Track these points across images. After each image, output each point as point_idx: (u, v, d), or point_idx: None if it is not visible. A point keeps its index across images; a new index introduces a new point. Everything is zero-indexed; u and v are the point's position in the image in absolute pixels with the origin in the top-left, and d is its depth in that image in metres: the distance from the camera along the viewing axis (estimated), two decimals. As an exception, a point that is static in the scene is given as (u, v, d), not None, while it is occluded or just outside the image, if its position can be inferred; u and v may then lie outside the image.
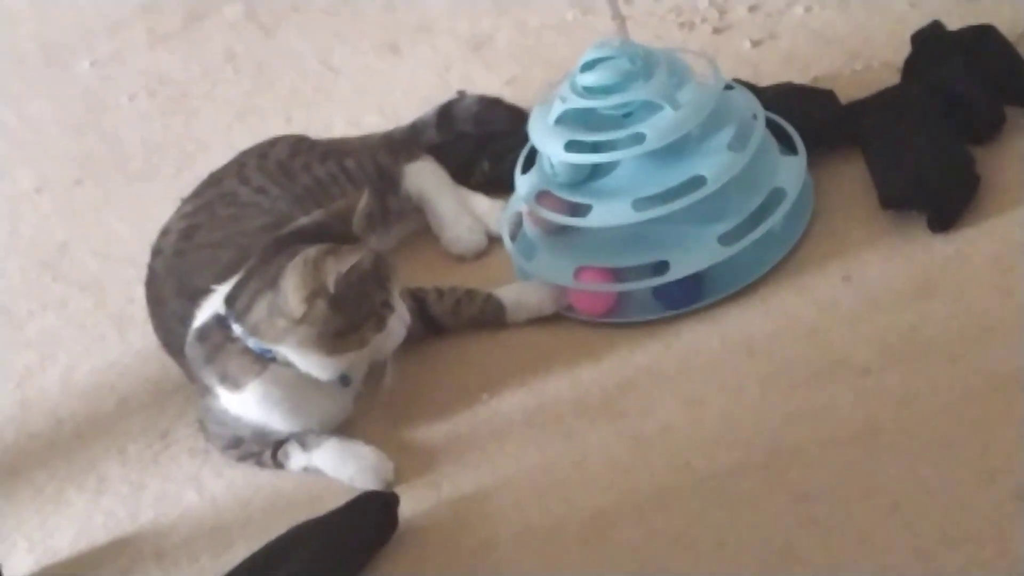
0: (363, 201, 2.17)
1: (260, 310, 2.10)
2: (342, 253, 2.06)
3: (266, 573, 1.98)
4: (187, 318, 2.22)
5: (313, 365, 2.11)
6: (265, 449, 2.20)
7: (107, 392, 2.48)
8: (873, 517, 1.83)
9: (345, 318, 2.08)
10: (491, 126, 2.61)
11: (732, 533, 1.89)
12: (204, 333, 2.18)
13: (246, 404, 2.16)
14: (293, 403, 2.16)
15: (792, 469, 1.93)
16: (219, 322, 2.15)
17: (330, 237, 2.11)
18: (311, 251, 2.07)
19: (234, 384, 2.15)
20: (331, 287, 2.05)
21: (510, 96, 2.70)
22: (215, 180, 2.50)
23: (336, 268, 2.04)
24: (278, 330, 2.08)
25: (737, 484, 1.94)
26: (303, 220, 2.19)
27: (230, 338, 2.13)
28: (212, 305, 2.18)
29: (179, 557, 2.14)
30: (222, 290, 2.17)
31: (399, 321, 2.13)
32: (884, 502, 1.84)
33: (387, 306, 2.12)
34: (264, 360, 2.12)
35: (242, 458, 2.22)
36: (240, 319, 2.11)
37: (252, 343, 2.11)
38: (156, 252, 2.40)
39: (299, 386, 2.14)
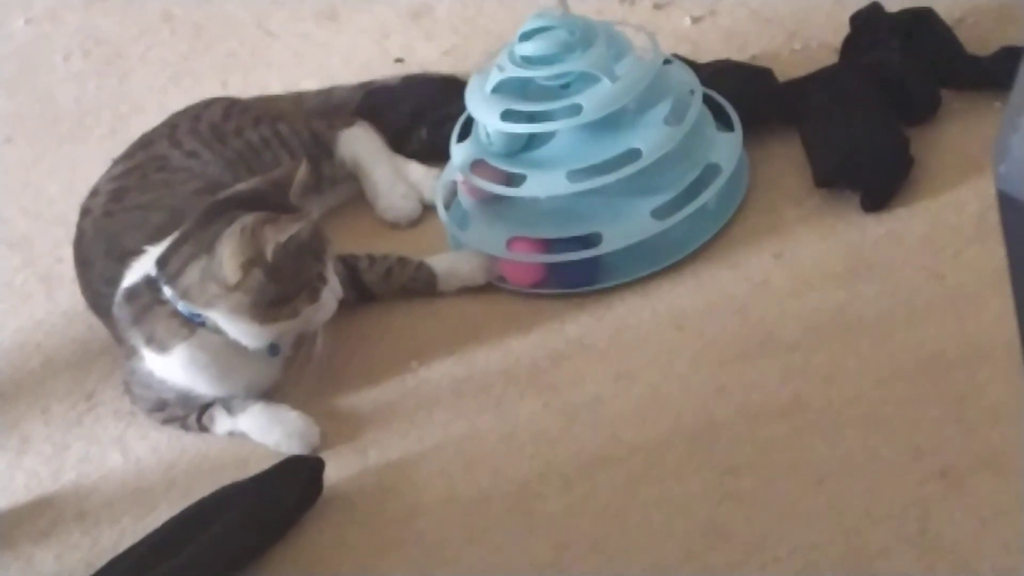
0: (301, 171, 2.16)
1: (193, 274, 2.08)
2: (282, 223, 2.04)
3: (189, 535, 1.97)
4: (115, 279, 2.20)
5: (243, 333, 2.10)
6: (190, 413, 2.18)
7: (32, 351, 2.45)
8: (798, 493, 1.84)
9: (280, 288, 2.07)
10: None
11: (658, 506, 1.89)
12: (133, 294, 2.16)
13: (172, 367, 2.14)
14: (220, 368, 2.14)
15: (719, 444, 1.94)
16: (149, 284, 2.13)
17: (267, 205, 2.10)
18: (250, 218, 2.05)
19: (161, 347, 2.13)
20: (269, 256, 2.03)
21: (449, 66, 2.69)
22: (146, 142, 2.47)
23: (275, 237, 2.03)
24: (210, 296, 2.07)
25: (664, 457, 1.94)
26: (241, 186, 2.17)
27: (159, 300, 2.11)
28: (142, 266, 2.16)
29: (101, 518, 2.12)
30: (153, 252, 2.15)
31: (332, 294, 2.12)
32: (809, 478, 1.85)
33: (321, 278, 2.11)
34: (192, 324, 2.10)
35: (167, 421, 2.20)
36: (171, 282, 2.10)
37: (182, 306, 2.09)
38: (85, 212, 2.37)
39: (226, 352, 2.12)
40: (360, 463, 2.07)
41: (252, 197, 2.13)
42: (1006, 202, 1.01)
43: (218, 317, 2.08)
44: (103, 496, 2.16)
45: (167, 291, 2.10)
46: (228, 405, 2.17)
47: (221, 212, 2.10)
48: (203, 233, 2.09)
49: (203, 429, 2.19)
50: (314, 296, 2.10)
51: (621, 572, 1.83)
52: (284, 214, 2.07)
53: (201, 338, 2.11)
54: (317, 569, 1.95)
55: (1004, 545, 1.70)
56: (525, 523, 1.93)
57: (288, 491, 2.02)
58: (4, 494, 2.21)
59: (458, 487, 2.00)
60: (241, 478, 2.04)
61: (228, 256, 2.04)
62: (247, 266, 2.04)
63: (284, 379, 2.21)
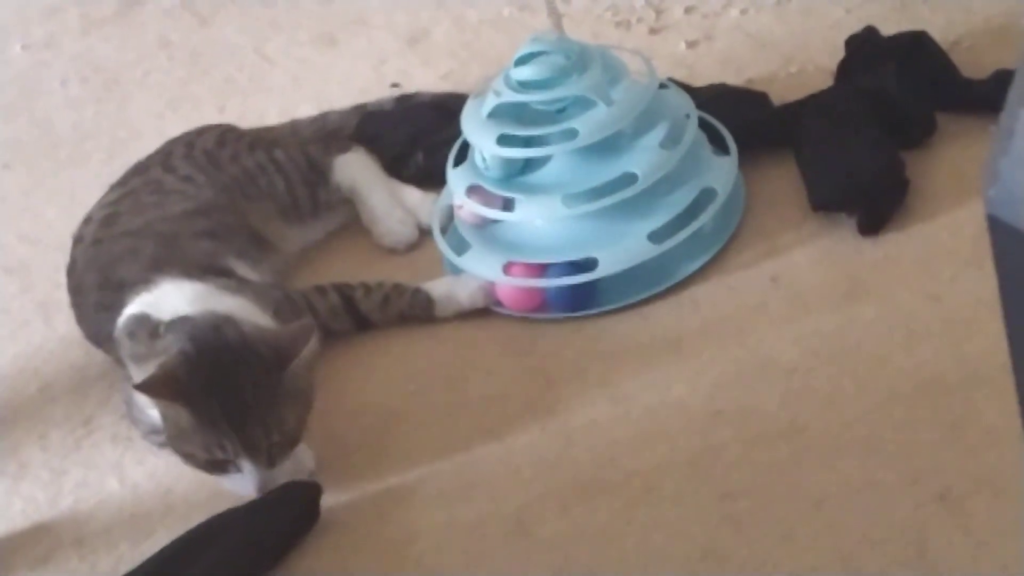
0: (311, 344, 2.04)
1: None
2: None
3: (186, 561, 1.96)
4: (112, 306, 2.20)
5: None
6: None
7: (30, 377, 2.45)
8: (796, 516, 1.84)
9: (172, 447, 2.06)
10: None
11: (656, 530, 1.88)
12: (133, 333, 2.14)
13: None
14: None
15: (716, 467, 1.93)
16: (151, 335, 2.10)
17: (232, 364, 2.00)
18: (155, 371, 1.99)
19: None
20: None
21: (446, 90, 2.70)
22: (141, 168, 2.48)
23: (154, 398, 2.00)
24: None
25: (661, 481, 1.94)
26: (232, 337, 2.03)
27: (156, 353, 2.07)
28: (151, 301, 2.15)
29: (98, 545, 2.12)
30: (162, 288, 2.15)
31: (245, 483, 2.02)
32: (807, 501, 1.85)
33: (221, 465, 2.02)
34: None
35: (163, 445, 2.20)
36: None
37: None
38: (77, 240, 2.38)
39: None
40: (358, 488, 2.07)
41: (232, 368, 2.01)
42: (996, 226, 1.01)
43: None
44: (101, 522, 2.16)
45: None
46: None
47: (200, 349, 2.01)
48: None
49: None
50: (209, 469, 2.04)
51: (619, 596, 1.83)
52: (223, 388, 1.98)
53: None
54: (315, 595, 1.95)
55: (1003, 568, 1.70)
56: (523, 547, 1.92)
57: (285, 517, 2.01)
58: (2, 520, 2.20)
59: (456, 511, 2.00)
60: (238, 504, 2.04)
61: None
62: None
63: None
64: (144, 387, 1.97)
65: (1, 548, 2.16)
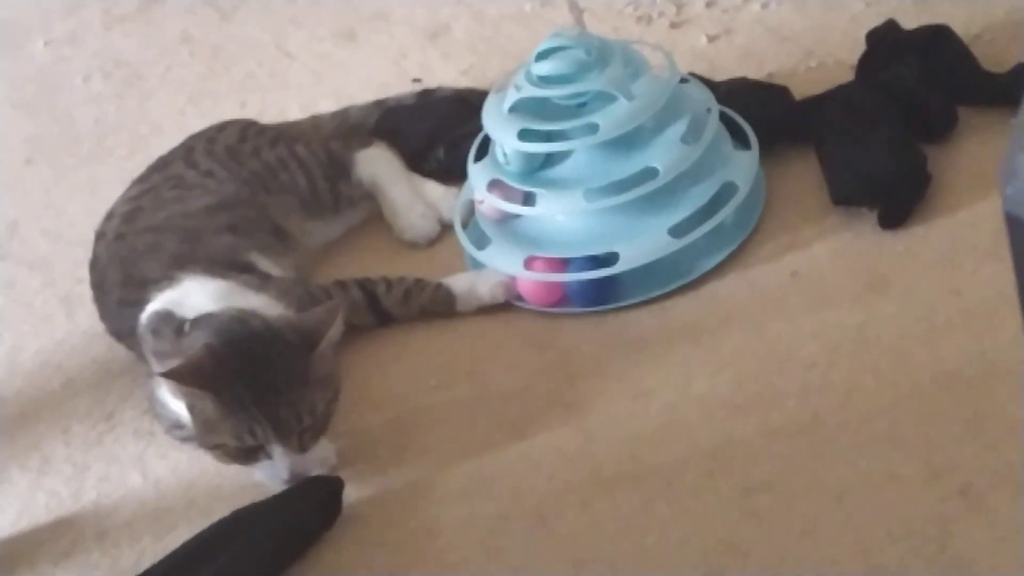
0: (336, 325, 2.05)
1: None
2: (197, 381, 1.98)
3: (208, 556, 1.97)
4: (135, 302, 2.20)
5: None
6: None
7: (53, 372, 2.46)
8: (816, 511, 1.84)
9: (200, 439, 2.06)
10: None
11: (676, 525, 1.89)
12: (156, 330, 2.15)
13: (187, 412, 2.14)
14: None
15: (737, 462, 1.93)
16: (177, 333, 2.10)
17: (262, 357, 2.01)
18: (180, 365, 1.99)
19: (173, 392, 2.09)
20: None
21: (466, 86, 2.70)
22: (162, 164, 2.48)
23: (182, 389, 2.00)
24: None
25: (682, 476, 1.94)
26: (257, 325, 2.04)
27: (182, 350, 2.07)
28: (175, 299, 2.15)
29: (121, 538, 2.13)
30: (184, 286, 2.16)
31: (275, 473, 2.03)
32: (828, 496, 1.85)
33: (250, 454, 2.03)
34: None
35: (185, 439, 2.21)
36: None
37: None
38: (99, 236, 2.39)
39: None
40: (380, 482, 2.07)
41: (260, 354, 2.02)
42: (1015, 224, 1.01)
43: None
44: (123, 516, 2.17)
45: None
46: None
47: (225, 348, 2.02)
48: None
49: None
50: (238, 460, 2.05)
51: (640, 591, 1.83)
52: (251, 379, 1.99)
53: None
54: (336, 589, 1.96)
55: (1024, 562, 1.70)
56: (543, 541, 1.93)
57: (307, 511, 2.02)
58: (25, 514, 2.22)
59: (477, 506, 2.00)
60: (260, 498, 2.04)
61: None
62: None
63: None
64: (172, 374, 1.97)
65: (24, 542, 2.17)
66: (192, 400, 2.00)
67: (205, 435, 2.03)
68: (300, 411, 2.00)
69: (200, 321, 2.07)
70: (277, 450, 2.00)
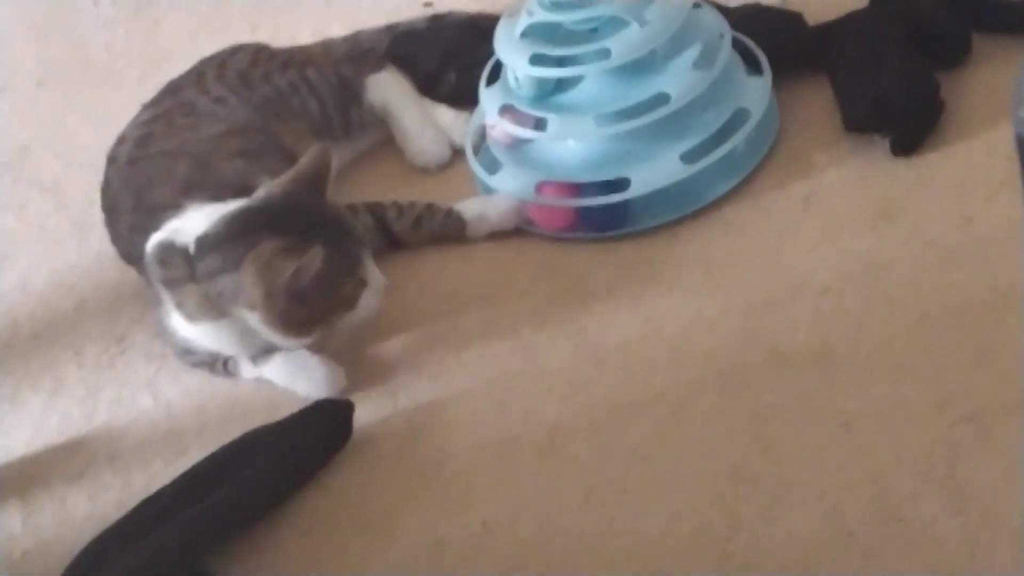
0: (332, 164, 2.12)
1: (225, 283, 2.05)
2: (291, 257, 1.99)
3: (219, 478, 1.98)
4: (145, 229, 2.20)
5: (274, 338, 2.09)
6: (217, 360, 2.20)
7: (65, 294, 2.47)
8: (825, 438, 1.84)
9: (309, 310, 2.05)
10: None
11: (686, 451, 1.89)
12: (166, 259, 2.13)
13: (198, 336, 2.14)
14: (247, 342, 2.13)
15: (747, 389, 1.94)
16: (185, 258, 2.10)
17: (300, 214, 2.06)
18: (264, 251, 2.01)
19: (189, 317, 2.12)
20: (287, 287, 2.00)
21: (478, 11, 2.68)
22: (174, 89, 2.48)
23: (287, 270, 1.99)
24: (241, 307, 2.05)
25: (692, 402, 1.95)
26: (275, 189, 2.10)
27: (193, 278, 2.08)
28: (176, 227, 2.15)
29: (132, 461, 2.14)
30: (188, 214, 2.15)
31: (373, 294, 2.09)
32: (837, 423, 1.85)
33: (358, 287, 2.08)
34: (223, 308, 2.08)
35: (196, 364, 2.22)
36: (205, 280, 2.07)
37: (215, 297, 2.08)
38: (111, 160, 2.38)
39: (254, 332, 2.10)
40: (390, 406, 2.08)
41: (285, 206, 2.08)
42: (1024, 147, 1.01)
43: (249, 321, 2.07)
44: (135, 438, 2.18)
45: (202, 284, 2.08)
46: (252, 356, 2.17)
47: (252, 226, 2.05)
48: (233, 246, 2.04)
49: (229, 375, 2.20)
50: (351, 305, 2.08)
51: (648, 515, 1.84)
52: (314, 227, 2.05)
53: (231, 320, 2.09)
54: (346, 511, 1.96)
55: (1032, 488, 1.70)
56: (554, 466, 1.93)
57: (317, 434, 2.03)
58: (38, 434, 2.23)
59: (487, 430, 2.01)
60: (271, 421, 2.06)
61: (251, 285, 2.02)
62: (269, 295, 2.02)
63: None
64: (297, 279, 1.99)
65: (37, 463, 2.19)
66: (313, 281, 2.01)
67: (324, 300, 2.04)
68: (362, 235, 2.12)
69: (203, 241, 2.07)
70: (374, 274, 2.09)
